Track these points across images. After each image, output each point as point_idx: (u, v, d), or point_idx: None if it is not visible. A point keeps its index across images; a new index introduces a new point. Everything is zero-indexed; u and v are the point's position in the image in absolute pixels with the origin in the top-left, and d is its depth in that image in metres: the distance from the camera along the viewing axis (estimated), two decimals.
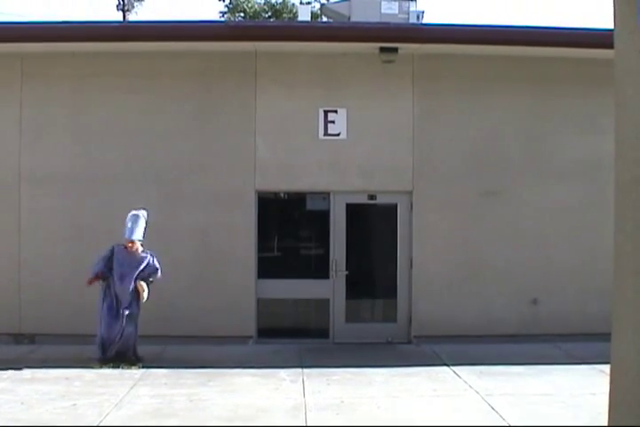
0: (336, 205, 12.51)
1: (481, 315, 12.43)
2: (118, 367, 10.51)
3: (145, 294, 10.98)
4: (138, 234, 11.05)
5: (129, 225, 11.04)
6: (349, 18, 14.28)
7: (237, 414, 8.11)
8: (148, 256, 11.14)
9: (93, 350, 11.05)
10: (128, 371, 10.32)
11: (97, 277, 10.94)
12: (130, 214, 11.12)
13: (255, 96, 12.44)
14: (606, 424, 5.18)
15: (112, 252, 11.07)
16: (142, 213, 11.18)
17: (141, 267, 11.03)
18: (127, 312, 10.88)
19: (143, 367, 10.52)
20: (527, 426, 7.55)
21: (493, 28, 12.53)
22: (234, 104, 12.48)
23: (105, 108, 12.39)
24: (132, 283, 10.95)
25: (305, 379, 9.86)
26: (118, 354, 10.83)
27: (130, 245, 11.01)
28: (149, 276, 11.10)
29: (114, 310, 10.90)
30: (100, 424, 7.68)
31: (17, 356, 11.16)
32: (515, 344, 12.05)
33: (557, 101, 12.63)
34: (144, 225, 11.14)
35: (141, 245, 11.12)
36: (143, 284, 10.99)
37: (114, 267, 10.98)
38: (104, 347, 10.85)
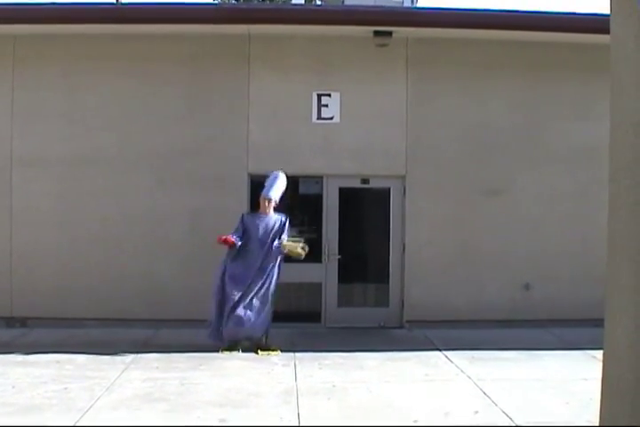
0: (329, 189, 12.49)
1: (473, 300, 12.44)
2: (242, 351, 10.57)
3: (298, 249, 10.70)
4: (274, 193, 10.92)
5: (267, 184, 10.96)
6: (343, 1, 14.29)
7: (229, 399, 8.10)
8: (283, 217, 10.97)
9: (85, 334, 11.08)
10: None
11: (230, 241, 10.59)
12: (272, 174, 11.07)
13: (248, 79, 12.39)
14: (598, 411, 5.18)
15: (242, 220, 10.92)
16: (282, 175, 11.04)
17: (275, 228, 10.83)
18: (264, 285, 10.66)
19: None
20: (529, 426, 7.54)
21: (488, 12, 12.48)
22: (227, 88, 12.43)
23: (97, 91, 12.32)
24: (272, 245, 10.75)
25: (297, 363, 9.88)
26: (242, 339, 10.73)
27: (266, 203, 10.88)
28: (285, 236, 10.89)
29: (244, 283, 10.57)
30: (92, 408, 7.67)
31: (8, 339, 11.16)
32: (507, 329, 12.08)
33: (553, 87, 12.60)
34: (283, 188, 11.01)
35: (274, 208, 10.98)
36: (293, 242, 10.77)
37: (246, 235, 10.77)
38: (217, 329, 10.68)
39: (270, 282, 10.71)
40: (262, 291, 10.66)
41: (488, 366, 9.73)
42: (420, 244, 12.45)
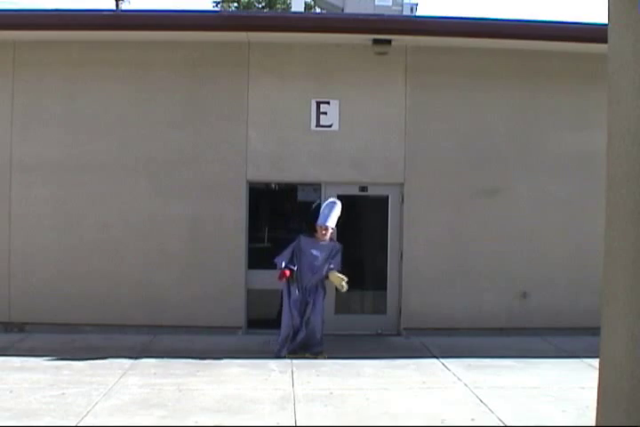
0: (327, 197, 12.46)
1: (470, 308, 12.45)
2: (303, 358, 10.64)
3: (342, 282, 10.85)
4: (332, 221, 10.98)
5: (325, 211, 10.99)
6: (343, 9, 14.31)
7: (226, 405, 8.11)
8: (337, 246, 11.13)
9: (83, 339, 11.11)
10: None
11: (289, 271, 10.80)
12: (327, 201, 11.17)
13: (247, 87, 12.42)
14: (594, 419, 5.20)
15: (298, 243, 10.99)
16: (338, 202, 11.11)
17: (330, 256, 10.97)
18: (316, 303, 10.88)
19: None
20: (522, 426, 7.56)
21: (487, 21, 12.51)
22: (226, 94, 12.45)
23: (96, 97, 12.34)
24: (323, 273, 10.92)
25: (294, 370, 9.89)
26: (302, 345, 10.86)
27: (324, 231, 10.94)
28: (337, 265, 11.04)
29: (300, 303, 10.85)
30: (89, 413, 7.68)
31: (6, 344, 11.14)
32: (504, 337, 12.11)
33: (551, 96, 12.63)
34: (339, 214, 11.06)
35: (331, 233, 11.11)
36: (336, 273, 10.90)
37: (301, 258, 10.90)
38: (287, 340, 10.85)
39: (319, 306, 10.96)
40: (317, 309, 10.91)
41: (485, 374, 9.75)
42: (417, 251, 12.47)
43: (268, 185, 13.15)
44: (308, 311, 10.82)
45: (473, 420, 7.70)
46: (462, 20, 12.24)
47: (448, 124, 12.54)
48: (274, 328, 11.50)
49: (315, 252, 10.94)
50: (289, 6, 38.16)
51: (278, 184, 13.16)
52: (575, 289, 12.40)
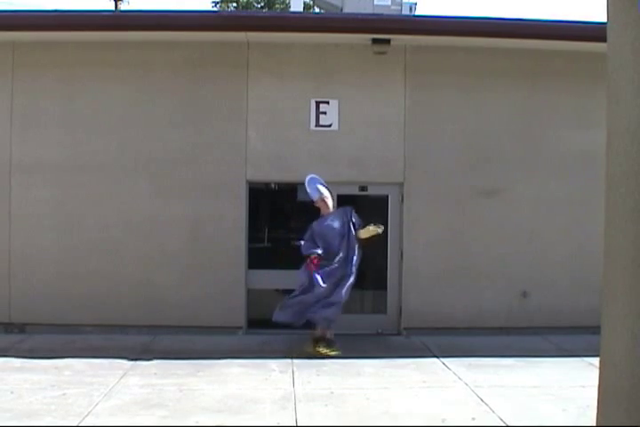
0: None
1: (471, 307, 12.46)
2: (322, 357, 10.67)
3: (376, 231, 10.98)
4: (319, 192, 11.08)
5: (308, 189, 11.10)
6: (342, 9, 14.29)
7: (227, 405, 8.12)
8: (347, 208, 11.23)
9: (84, 340, 11.12)
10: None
11: (319, 257, 10.80)
12: (306, 179, 11.21)
13: (247, 87, 12.42)
14: (595, 418, 5.21)
15: (312, 229, 11.07)
16: (313, 175, 11.23)
17: (348, 218, 11.04)
18: (345, 277, 10.86)
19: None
20: (523, 426, 7.57)
21: (486, 20, 12.49)
22: (225, 95, 12.45)
23: (96, 97, 12.34)
24: (350, 238, 10.95)
25: (294, 370, 9.89)
26: (321, 318, 10.95)
27: (325, 202, 11.08)
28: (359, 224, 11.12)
29: (332, 280, 10.80)
30: (90, 413, 7.68)
31: (7, 345, 11.14)
32: (504, 337, 12.10)
33: (551, 95, 12.62)
34: (321, 183, 11.15)
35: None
36: (367, 228, 10.98)
37: (323, 237, 10.94)
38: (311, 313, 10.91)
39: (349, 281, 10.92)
40: (345, 286, 10.87)
41: (485, 373, 9.75)
42: (417, 251, 12.47)
43: (267, 185, 13.16)
44: (336, 284, 10.79)
45: (474, 419, 7.71)
46: (461, 20, 12.22)
47: (448, 123, 12.54)
48: (274, 328, 11.52)
49: (330, 224, 10.99)
50: (288, 6, 38.20)
51: (278, 184, 13.17)
52: (576, 288, 12.40)
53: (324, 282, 10.69)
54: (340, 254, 10.86)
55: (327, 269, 10.78)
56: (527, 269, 12.51)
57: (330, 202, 11.15)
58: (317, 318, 10.92)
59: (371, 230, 10.96)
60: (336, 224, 11.00)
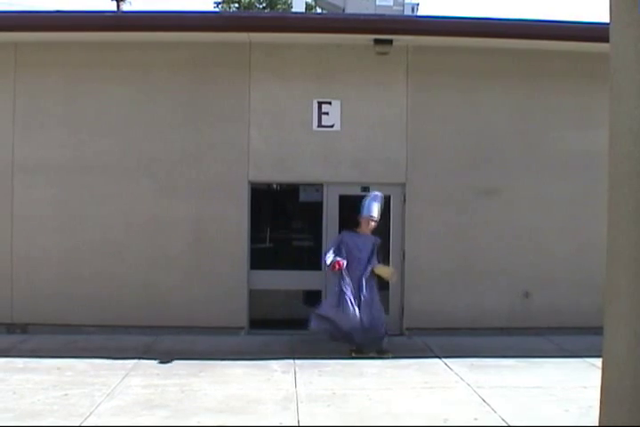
0: (329, 197, 12.50)
1: (473, 307, 12.45)
2: (367, 358, 10.70)
3: (390, 273, 11.08)
4: (377, 213, 11.10)
5: (370, 204, 11.10)
6: (344, 9, 14.31)
7: (228, 406, 8.12)
8: (378, 239, 11.27)
9: (86, 340, 11.12)
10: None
11: (339, 264, 10.82)
12: (371, 194, 11.27)
13: (249, 87, 12.42)
14: (597, 418, 5.20)
15: (342, 238, 11.10)
16: (380, 195, 11.23)
17: (373, 249, 11.12)
18: (374, 299, 10.93)
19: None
20: (525, 426, 7.57)
21: (488, 20, 12.49)
22: (227, 95, 12.45)
23: (98, 98, 12.34)
24: (369, 266, 11.00)
25: (297, 370, 9.88)
26: (368, 342, 10.91)
27: (371, 222, 11.09)
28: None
29: (355, 298, 10.84)
30: (92, 414, 7.69)
31: (9, 345, 11.15)
32: (506, 337, 12.10)
33: (552, 95, 12.62)
34: (380, 205, 11.17)
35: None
36: (381, 266, 11.05)
37: (347, 253, 10.95)
38: (350, 337, 10.87)
39: (376, 301, 11.03)
40: (376, 305, 10.98)
41: (487, 374, 9.75)
42: (419, 251, 12.46)
43: (269, 186, 13.15)
44: (367, 308, 10.81)
45: (476, 420, 7.71)
46: (463, 20, 12.22)
47: (450, 123, 12.54)
48: (276, 329, 11.52)
49: (359, 245, 11.04)
50: (290, 6, 38.19)
51: (280, 185, 13.15)
52: (578, 288, 12.39)
53: (352, 306, 10.79)
54: (356, 280, 10.94)
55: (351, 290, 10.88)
56: (529, 270, 12.51)
57: (373, 226, 11.17)
58: (370, 343, 10.96)
59: (386, 272, 11.07)
60: (366, 246, 11.09)
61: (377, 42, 12.09)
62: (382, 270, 11.05)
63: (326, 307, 10.96)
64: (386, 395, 8.69)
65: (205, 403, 8.23)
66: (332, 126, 12.43)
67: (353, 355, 10.78)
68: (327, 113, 12.43)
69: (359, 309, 10.76)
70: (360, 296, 10.84)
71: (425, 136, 12.52)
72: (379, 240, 11.27)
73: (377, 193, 11.26)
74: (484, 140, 12.57)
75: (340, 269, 10.79)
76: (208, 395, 8.57)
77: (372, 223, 11.11)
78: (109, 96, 12.35)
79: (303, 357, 10.63)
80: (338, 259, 10.83)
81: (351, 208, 12.10)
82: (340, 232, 11.45)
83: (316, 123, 12.43)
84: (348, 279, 10.85)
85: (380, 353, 10.83)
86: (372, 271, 11.02)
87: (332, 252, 10.96)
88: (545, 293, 12.48)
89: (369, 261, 11.03)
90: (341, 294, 10.83)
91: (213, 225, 12.28)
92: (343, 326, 10.78)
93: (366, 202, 11.13)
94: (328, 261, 10.88)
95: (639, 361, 4.80)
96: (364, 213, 11.08)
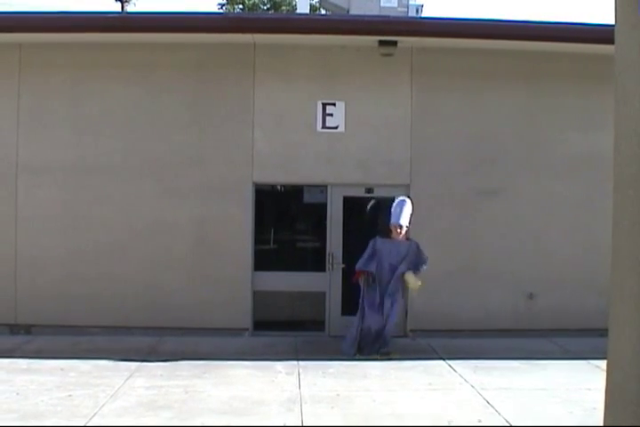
0: (333, 198, 12.50)
1: (477, 309, 12.44)
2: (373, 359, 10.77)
3: (416, 286, 10.99)
4: (404, 219, 11.07)
5: (396, 210, 11.09)
6: (348, 11, 14.30)
7: (232, 407, 8.11)
8: (413, 244, 11.21)
9: (90, 341, 11.13)
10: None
11: (367, 273, 10.95)
12: (397, 200, 11.23)
13: (253, 88, 12.42)
14: (602, 420, 5.19)
15: (374, 244, 11.11)
16: (408, 200, 11.22)
17: (408, 255, 11.08)
18: (393, 304, 10.97)
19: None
20: (528, 426, 7.56)
21: (492, 22, 12.47)
22: (232, 96, 12.46)
23: (102, 99, 12.36)
24: (399, 273, 11.01)
25: (300, 371, 9.88)
26: (372, 345, 11.02)
27: (398, 230, 11.06)
28: (418, 265, 11.11)
29: (377, 304, 10.93)
30: (96, 415, 7.69)
31: (12, 346, 11.16)
32: (510, 339, 12.06)
33: (556, 97, 12.61)
34: (410, 211, 11.15)
35: (406, 232, 11.20)
36: (413, 275, 11.01)
37: (379, 259, 11.00)
38: (361, 342, 10.99)
39: (395, 304, 11.05)
40: (393, 311, 11.01)
41: (491, 376, 9.74)
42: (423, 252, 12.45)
43: (273, 187, 13.14)
44: (386, 311, 10.90)
45: (480, 421, 7.70)
46: (468, 22, 12.21)
47: (454, 125, 12.54)
48: (280, 330, 11.52)
49: (392, 251, 11.05)
50: (294, 8, 38.21)
51: (284, 186, 13.15)
52: (582, 290, 12.38)
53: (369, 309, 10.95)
54: (386, 286, 10.99)
55: (373, 300, 10.99)
56: (533, 271, 12.50)
57: (404, 232, 11.17)
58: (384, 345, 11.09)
59: (413, 282, 11.00)
60: (399, 253, 11.10)
61: (381, 43, 12.08)
62: (410, 279, 10.99)
63: (355, 324, 11.10)
64: (390, 396, 8.68)
65: (209, 404, 8.22)
66: (336, 128, 12.43)
67: (357, 356, 10.81)
68: (331, 114, 12.43)
69: (380, 313, 10.89)
70: (383, 302, 10.93)
71: (429, 137, 12.51)
72: (414, 246, 11.21)
73: (403, 198, 11.26)
74: (488, 142, 12.56)
75: (358, 279, 10.95)
76: (212, 396, 8.57)
77: (400, 230, 11.08)
78: (114, 97, 12.36)
79: (307, 358, 10.63)
80: (361, 269, 10.95)
81: (355, 209, 12.13)
82: (373, 238, 11.38)
83: (320, 124, 12.43)
84: (370, 292, 10.96)
85: (384, 355, 10.86)
86: (401, 277, 11.04)
87: (364, 259, 11.03)
88: (549, 294, 12.47)
89: (399, 267, 11.03)
90: (364, 307, 11.00)
91: (217, 226, 12.28)
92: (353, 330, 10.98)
93: (392, 209, 11.16)
94: (359, 267, 11.02)
95: None
96: (393, 220, 11.08)
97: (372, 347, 10.95)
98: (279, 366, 10.21)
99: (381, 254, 11.01)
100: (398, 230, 11.05)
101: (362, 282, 10.99)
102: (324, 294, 12.49)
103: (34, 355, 10.57)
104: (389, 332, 11.00)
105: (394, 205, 11.17)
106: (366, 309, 10.93)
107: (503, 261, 12.51)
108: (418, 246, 11.19)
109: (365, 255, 11.05)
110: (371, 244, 11.15)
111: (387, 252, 11.02)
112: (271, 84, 12.45)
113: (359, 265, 11.00)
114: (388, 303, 10.89)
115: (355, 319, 11.05)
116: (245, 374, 9.74)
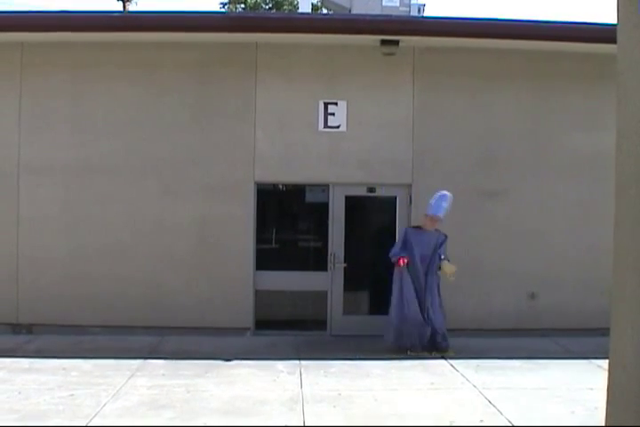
0: (335, 198, 12.50)
1: (479, 309, 12.44)
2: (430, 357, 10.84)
3: (453, 271, 11.07)
4: (441, 211, 11.18)
5: (433, 202, 11.19)
6: (350, 10, 14.24)
7: (234, 406, 8.11)
8: (442, 235, 11.35)
9: (91, 341, 11.13)
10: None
11: (403, 260, 11.01)
12: (438, 193, 11.27)
13: (255, 88, 12.42)
14: (604, 420, 5.19)
15: (405, 235, 11.25)
16: (449, 194, 11.27)
17: (437, 245, 11.21)
18: (434, 299, 11.12)
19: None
20: (529, 426, 7.55)
21: (495, 21, 12.45)
22: (234, 96, 12.45)
23: (104, 98, 12.35)
24: (433, 263, 11.15)
25: (302, 371, 9.87)
26: (429, 341, 11.09)
27: (432, 221, 11.20)
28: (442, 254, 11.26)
29: (415, 295, 11.03)
30: (98, 414, 7.68)
31: (14, 346, 11.16)
32: (512, 338, 12.05)
33: (559, 96, 12.60)
34: (447, 206, 11.22)
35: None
36: (448, 263, 11.14)
37: (411, 249, 11.10)
38: (401, 333, 11.07)
39: (437, 298, 11.22)
40: (435, 307, 11.16)
41: (493, 375, 9.73)
42: None
43: (275, 186, 13.13)
44: (429, 306, 11.03)
45: (482, 421, 7.69)
46: (470, 21, 12.20)
47: (456, 124, 12.53)
48: (282, 329, 11.50)
49: (424, 241, 11.18)
50: (296, 7, 38.16)
51: (286, 185, 13.13)
52: (584, 290, 12.37)
53: (415, 305, 11.04)
54: (420, 277, 11.11)
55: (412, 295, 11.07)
56: (535, 271, 12.49)
57: (436, 224, 11.29)
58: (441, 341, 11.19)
59: (450, 269, 11.09)
60: (430, 243, 11.22)
61: (383, 43, 12.08)
62: (447, 267, 11.08)
63: (392, 313, 11.13)
64: (392, 396, 8.67)
65: (211, 404, 8.22)
66: (338, 127, 12.43)
67: (409, 353, 10.92)
68: (333, 114, 12.43)
69: (420, 308, 11.01)
70: (423, 295, 11.04)
71: (431, 137, 12.50)
72: (443, 237, 11.33)
73: (445, 193, 11.29)
74: (491, 141, 12.56)
75: (405, 264, 10.97)
76: (214, 396, 8.56)
77: (437, 222, 11.22)
78: (115, 96, 12.36)
79: (309, 357, 10.62)
80: (403, 255, 10.99)
81: (357, 209, 12.13)
82: (404, 230, 11.50)
83: (322, 123, 12.43)
84: (408, 278, 11.02)
85: (442, 351, 11.00)
86: (437, 268, 11.15)
87: (398, 248, 11.13)
88: (551, 294, 12.47)
89: (432, 258, 11.14)
90: (402, 293, 11.02)
91: (219, 226, 12.28)
92: (408, 326, 11.00)
93: (434, 201, 11.21)
94: (393, 258, 11.06)
95: None
96: (430, 211, 11.19)
97: (431, 344, 11.06)
98: (281, 365, 10.20)
99: (413, 245, 11.11)
100: (434, 222, 11.20)
101: (403, 269, 11.00)
102: (325, 293, 12.48)
103: (36, 354, 10.57)
104: (442, 326, 11.12)
105: (435, 196, 11.22)
106: (406, 297, 10.97)
107: (506, 260, 12.51)
108: (446, 238, 11.33)
109: (399, 244, 11.20)
110: (402, 234, 11.34)
111: (417, 242, 11.13)
112: (273, 83, 12.45)
113: (395, 252, 11.09)
114: (429, 297, 11.04)
115: (392, 309, 11.11)
116: (247, 373, 9.73)
